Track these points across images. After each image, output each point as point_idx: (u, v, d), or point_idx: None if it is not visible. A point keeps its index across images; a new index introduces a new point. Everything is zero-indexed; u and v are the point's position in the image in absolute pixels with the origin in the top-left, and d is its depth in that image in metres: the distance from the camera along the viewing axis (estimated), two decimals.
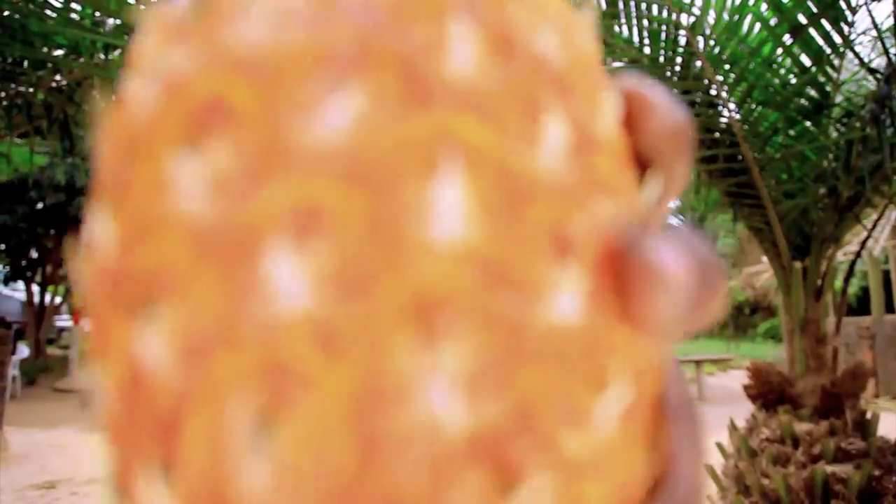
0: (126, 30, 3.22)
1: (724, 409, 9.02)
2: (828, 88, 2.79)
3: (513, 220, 0.14)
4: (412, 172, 0.13)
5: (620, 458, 0.16)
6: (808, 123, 2.92)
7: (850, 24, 2.57)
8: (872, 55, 2.93)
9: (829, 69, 2.74)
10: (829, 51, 2.66)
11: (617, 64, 3.11)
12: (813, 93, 2.80)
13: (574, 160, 0.15)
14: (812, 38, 2.63)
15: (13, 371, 8.92)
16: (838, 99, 2.87)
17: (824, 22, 2.58)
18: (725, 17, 2.72)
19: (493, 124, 0.14)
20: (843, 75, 2.81)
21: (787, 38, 2.70)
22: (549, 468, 0.14)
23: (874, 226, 3.16)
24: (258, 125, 0.13)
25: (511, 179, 0.14)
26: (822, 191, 2.96)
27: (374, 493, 0.12)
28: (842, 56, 2.69)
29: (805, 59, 2.76)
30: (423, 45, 0.14)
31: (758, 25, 2.75)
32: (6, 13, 2.72)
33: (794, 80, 2.79)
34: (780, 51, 2.75)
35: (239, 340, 0.13)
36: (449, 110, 0.14)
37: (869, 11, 2.54)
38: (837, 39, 2.63)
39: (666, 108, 0.19)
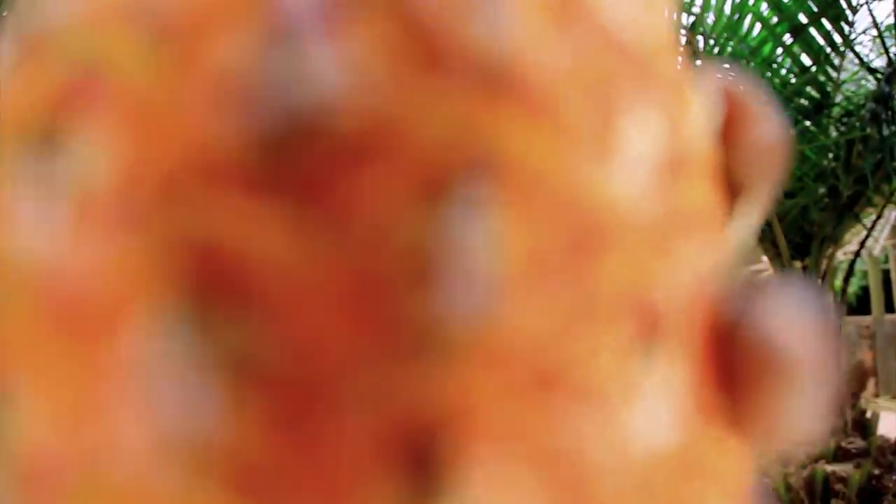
0: None
1: None
2: (828, 88, 2.78)
3: (572, 277, 0.09)
4: None
5: None
6: (808, 123, 2.92)
7: (851, 24, 2.57)
8: (872, 55, 2.94)
9: (829, 69, 2.74)
10: (829, 50, 2.66)
11: None
12: (813, 92, 2.80)
13: (662, 185, 0.10)
14: (812, 38, 2.63)
15: None
16: (838, 98, 2.87)
17: (825, 21, 2.59)
18: (725, 16, 2.72)
19: (548, 125, 0.09)
20: (843, 75, 2.81)
21: (787, 38, 2.70)
22: None
23: (873, 225, 3.16)
24: (148, 103, 0.08)
25: (575, 213, 0.09)
26: (822, 190, 2.96)
27: None
28: (842, 55, 2.69)
29: (805, 59, 2.76)
30: None
31: (758, 25, 2.75)
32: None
33: (794, 80, 2.79)
34: (779, 50, 2.75)
35: None
36: (476, 96, 0.08)
37: (870, 10, 2.54)
38: (838, 39, 2.63)
39: (768, 117, 0.14)
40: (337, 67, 0.08)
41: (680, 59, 0.12)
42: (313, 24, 0.08)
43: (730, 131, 0.13)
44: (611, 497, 0.09)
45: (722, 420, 0.10)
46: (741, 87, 0.14)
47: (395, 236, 0.08)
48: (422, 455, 0.08)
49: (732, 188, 0.13)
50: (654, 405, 0.09)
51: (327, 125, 0.08)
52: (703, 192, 0.11)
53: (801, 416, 0.10)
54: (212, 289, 0.08)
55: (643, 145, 0.10)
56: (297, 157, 0.08)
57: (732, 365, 0.10)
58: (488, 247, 0.08)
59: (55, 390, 0.08)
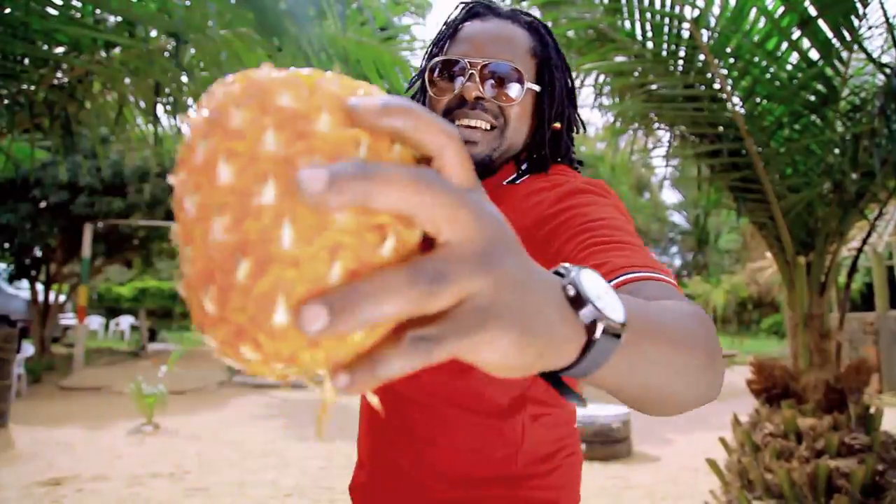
0: (127, 27, 3.22)
1: (728, 405, 8.98)
2: (835, 82, 2.76)
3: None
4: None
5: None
6: (813, 117, 2.90)
7: (861, 18, 2.54)
8: (881, 49, 2.91)
9: (837, 63, 2.72)
10: (837, 44, 2.63)
11: (619, 59, 3.10)
12: (820, 86, 2.77)
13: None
14: (821, 30, 2.60)
15: (18, 369, 8.95)
16: (845, 93, 2.84)
17: (834, 14, 2.55)
18: (730, 10, 2.70)
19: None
20: (849, 70, 2.79)
21: (794, 32, 2.67)
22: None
23: (875, 219, 3.14)
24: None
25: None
26: (827, 186, 2.94)
27: None
28: (851, 49, 2.66)
29: (812, 54, 2.73)
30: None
31: (762, 18, 2.73)
32: (7, 11, 2.71)
33: (800, 74, 2.76)
34: (785, 44, 2.73)
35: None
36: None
37: (881, 3, 2.50)
38: (847, 33, 2.59)
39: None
40: None
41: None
42: None
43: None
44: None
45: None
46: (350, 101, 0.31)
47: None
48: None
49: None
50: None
51: None
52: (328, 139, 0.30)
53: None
54: None
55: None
56: None
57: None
58: None
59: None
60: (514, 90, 0.94)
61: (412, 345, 0.29)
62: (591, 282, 0.39)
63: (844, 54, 2.69)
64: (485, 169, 0.95)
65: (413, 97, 1.03)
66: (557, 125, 1.00)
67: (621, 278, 0.66)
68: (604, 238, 0.74)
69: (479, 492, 0.89)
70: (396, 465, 0.94)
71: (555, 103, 0.99)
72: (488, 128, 0.94)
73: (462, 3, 1.04)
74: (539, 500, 0.90)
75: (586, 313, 0.38)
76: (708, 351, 0.56)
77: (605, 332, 0.38)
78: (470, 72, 0.92)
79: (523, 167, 1.00)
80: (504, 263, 0.32)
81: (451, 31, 1.00)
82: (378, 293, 0.28)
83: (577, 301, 0.38)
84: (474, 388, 0.88)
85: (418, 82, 1.03)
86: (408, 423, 0.93)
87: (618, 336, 0.40)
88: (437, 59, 0.96)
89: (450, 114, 0.94)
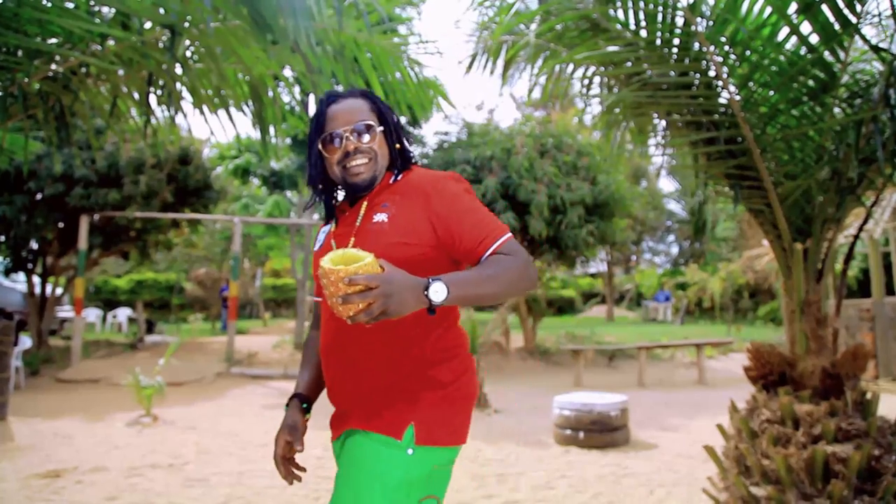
0: (122, 18, 3.19)
1: (725, 392, 9.03)
2: (835, 69, 2.73)
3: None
4: None
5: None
6: (812, 104, 2.89)
7: (864, 2, 2.52)
8: (882, 35, 2.89)
9: (837, 48, 2.69)
10: (838, 28, 2.59)
11: (612, 48, 3.08)
12: (819, 73, 2.76)
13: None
14: (822, 14, 2.56)
15: (16, 362, 8.94)
16: (844, 79, 2.82)
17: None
18: None
19: None
20: (846, 56, 2.77)
21: (793, 17, 2.65)
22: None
23: (872, 206, 3.14)
24: None
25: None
26: (825, 172, 2.94)
27: None
28: (852, 35, 2.63)
29: (811, 39, 2.70)
30: None
31: (759, 3, 2.71)
32: (1, 1, 2.69)
33: (799, 60, 2.74)
34: (785, 29, 2.71)
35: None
36: None
37: None
38: (851, 16, 2.55)
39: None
40: None
41: None
42: None
43: None
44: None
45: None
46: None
47: None
48: None
49: None
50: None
51: None
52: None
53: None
54: None
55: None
56: None
57: None
58: None
59: None
60: (371, 135, 1.58)
61: (367, 310, 1.22)
62: (435, 285, 1.26)
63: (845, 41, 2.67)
64: (374, 182, 1.59)
65: (310, 153, 1.63)
66: (398, 145, 1.64)
67: (486, 254, 1.43)
68: (472, 221, 1.48)
69: (402, 375, 1.47)
70: (346, 369, 1.52)
71: (393, 134, 1.63)
72: (367, 161, 1.57)
73: (321, 98, 1.66)
74: (442, 377, 1.48)
75: (426, 298, 1.26)
76: (505, 279, 1.36)
77: (432, 303, 1.26)
78: (345, 136, 1.56)
79: (396, 171, 1.64)
80: (394, 282, 1.23)
81: (322, 118, 1.60)
82: (360, 296, 1.22)
83: (427, 291, 1.26)
84: (391, 324, 1.40)
85: (318, 146, 1.61)
86: (347, 349, 1.52)
87: (440, 302, 1.27)
88: (322, 136, 1.59)
89: (342, 162, 1.57)
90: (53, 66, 3.32)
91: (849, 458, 2.66)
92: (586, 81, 3.54)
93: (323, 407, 1.67)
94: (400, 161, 1.63)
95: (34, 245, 12.85)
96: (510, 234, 1.44)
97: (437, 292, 1.25)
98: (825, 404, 2.84)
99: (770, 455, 2.84)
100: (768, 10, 2.73)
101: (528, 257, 1.41)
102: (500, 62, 3.86)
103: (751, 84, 2.85)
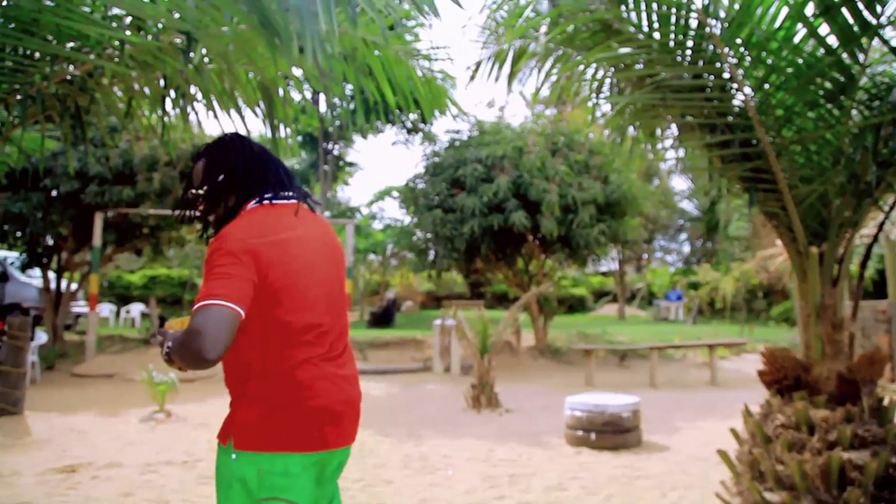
0: (137, 23, 3.21)
1: (738, 393, 8.98)
2: (853, 71, 2.69)
3: None
4: None
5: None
6: (829, 106, 2.85)
7: (884, 4, 2.48)
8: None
9: (856, 50, 2.65)
10: (858, 30, 2.55)
11: (624, 51, 3.06)
12: (837, 75, 2.72)
13: None
14: (842, 16, 2.52)
15: (32, 357, 9.04)
16: (862, 82, 2.78)
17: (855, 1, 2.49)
18: None
19: None
20: (865, 59, 2.73)
21: (811, 18, 2.61)
22: None
23: (892, 209, 3.11)
24: None
25: None
26: (841, 175, 2.90)
27: None
28: (871, 37, 2.59)
29: (827, 42, 2.66)
30: None
31: (774, 5, 2.69)
32: (21, 6, 2.71)
33: (816, 62, 2.71)
34: (802, 31, 2.67)
35: None
36: None
37: None
38: (871, 17, 2.51)
39: None
40: None
41: None
42: None
43: None
44: None
45: None
46: None
47: None
48: None
49: None
50: None
51: None
52: None
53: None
54: None
55: None
56: None
57: None
58: None
59: None
60: (197, 202, 1.80)
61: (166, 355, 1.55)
62: (169, 336, 1.58)
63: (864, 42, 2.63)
64: (219, 224, 1.76)
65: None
66: (231, 195, 1.78)
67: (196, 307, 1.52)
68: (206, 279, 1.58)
69: (231, 391, 1.71)
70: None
71: (219, 189, 1.76)
72: (204, 215, 1.81)
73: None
74: (252, 391, 1.65)
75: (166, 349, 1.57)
76: (174, 348, 1.51)
77: (166, 355, 1.56)
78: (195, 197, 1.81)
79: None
80: (167, 336, 1.58)
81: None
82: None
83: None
84: (228, 353, 1.58)
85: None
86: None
87: (168, 356, 1.54)
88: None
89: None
90: (70, 69, 3.35)
91: (865, 466, 2.64)
92: (595, 84, 3.52)
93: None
94: (229, 214, 1.76)
95: (49, 241, 12.97)
96: (203, 303, 1.46)
97: (166, 346, 1.55)
98: (841, 410, 2.81)
99: (784, 460, 2.82)
100: (784, 11, 2.70)
101: (199, 328, 1.42)
102: (509, 66, 3.85)
103: (766, 86, 2.83)
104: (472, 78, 3.94)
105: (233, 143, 1.81)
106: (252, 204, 1.73)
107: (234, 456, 1.63)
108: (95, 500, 4.08)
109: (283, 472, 1.60)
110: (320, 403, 1.64)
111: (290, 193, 1.78)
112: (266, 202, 1.73)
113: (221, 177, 1.75)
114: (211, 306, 1.45)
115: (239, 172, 1.75)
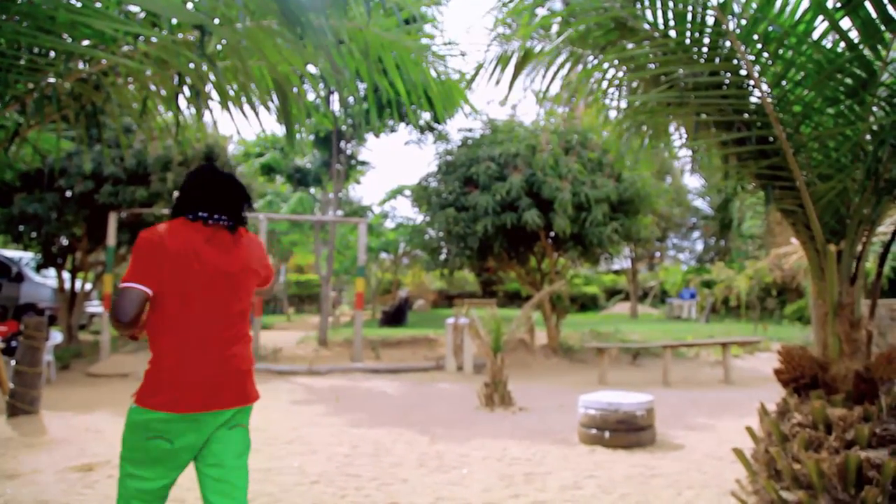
0: (152, 18, 3.23)
1: (752, 392, 8.91)
2: (875, 66, 2.65)
3: None
4: None
5: None
6: (849, 102, 2.81)
7: None
8: None
9: (878, 45, 2.60)
10: (881, 25, 2.50)
11: (639, 49, 3.04)
12: (858, 70, 2.68)
13: None
14: (864, 10, 2.47)
15: (48, 356, 9.13)
16: (884, 77, 2.73)
17: None
18: None
19: None
20: (888, 54, 2.69)
21: (834, 12, 2.57)
22: None
23: None
24: None
25: None
26: (860, 172, 2.87)
27: None
28: (894, 31, 2.53)
29: (849, 37, 2.61)
30: None
31: (792, 1, 2.66)
32: (36, 4, 2.73)
33: (837, 57, 2.67)
34: (823, 26, 2.64)
35: None
36: None
37: None
38: (894, 14, 2.46)
39: None
40: None
41: None
42: None
43: None
44: None
45: None
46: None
47: None
48: None
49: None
50: None
51: None
52: None
53: None
54: None
55: None
56: None
57: None
58: None
59: None
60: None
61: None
62: None
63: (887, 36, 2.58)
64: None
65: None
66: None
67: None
68: None
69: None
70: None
71: (182, 203, 2.29)
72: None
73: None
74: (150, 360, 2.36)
75: None
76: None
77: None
78: None
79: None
80: None
81: None
82: None
83: None
84: None
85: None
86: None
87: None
88: None
89: None
90: (86, 67, 3.38)
91: (883, 465, 2.61)
92: (606, 84, 3.50)
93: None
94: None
95: (64, 241, 13.10)
96: (124, 285, 2.10)
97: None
98: (859, 409, 2.79)
99: (801, 459, 2.80)
100: (802, 6, 2.67)
101: (118, 303, 2.09)
102: (517, 66, 3.83)
103: (784, 83, 2.80)
104: (474, 78, 3.92)
105: (196, 173, 2.33)
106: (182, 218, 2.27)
107: (132, 405, 2.35)
108: (113, 499, 4.12)
109: (151, 420, 2.31)
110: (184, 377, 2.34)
111: (218, 217, 2.27)
112: (189, 218, 2.25)
113: (176, 193, 2.34)
114: (125, 288, 2.10)
115: (186, 194, 2.30)
